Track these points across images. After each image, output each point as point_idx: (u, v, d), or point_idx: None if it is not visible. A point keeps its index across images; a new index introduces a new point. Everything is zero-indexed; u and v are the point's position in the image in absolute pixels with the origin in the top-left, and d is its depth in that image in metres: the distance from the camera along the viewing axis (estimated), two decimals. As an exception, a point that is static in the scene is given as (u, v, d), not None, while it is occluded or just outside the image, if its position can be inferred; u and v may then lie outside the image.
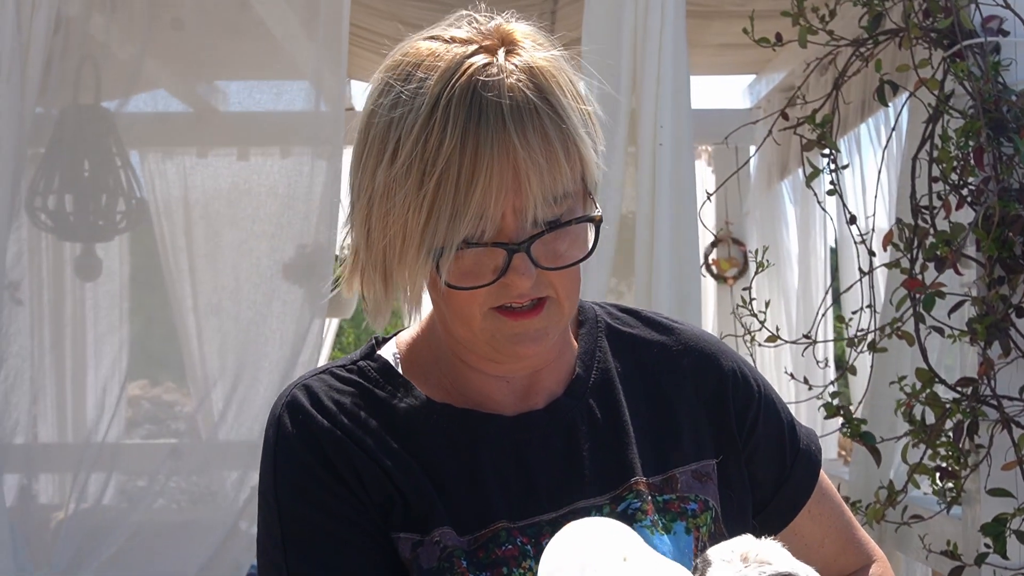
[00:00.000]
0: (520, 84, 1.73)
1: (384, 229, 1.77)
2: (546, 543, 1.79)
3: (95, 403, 4.89)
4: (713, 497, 1.93)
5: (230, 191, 5.30)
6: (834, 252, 7.08)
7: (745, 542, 1.72)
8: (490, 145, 1.70)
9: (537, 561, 1.79)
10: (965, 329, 3.72)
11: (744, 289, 4.47)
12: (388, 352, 1.96)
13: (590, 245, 1.83)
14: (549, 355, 1.90)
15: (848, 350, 4.27)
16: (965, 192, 3.73)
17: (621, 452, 1.90)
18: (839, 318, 4.31)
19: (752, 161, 7.37)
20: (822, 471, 2.10)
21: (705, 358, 2.01)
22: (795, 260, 7.05)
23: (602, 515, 1.85)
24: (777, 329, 4.38)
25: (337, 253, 5.44)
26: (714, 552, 1.71)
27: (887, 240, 3.98)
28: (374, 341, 1.97)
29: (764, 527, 2.01)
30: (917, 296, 3.76)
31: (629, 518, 1.84)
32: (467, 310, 1.80)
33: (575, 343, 1.99)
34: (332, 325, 9.35)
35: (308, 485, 1.84)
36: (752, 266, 7.13)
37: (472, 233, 1.72)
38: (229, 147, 5.57)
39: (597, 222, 1.81)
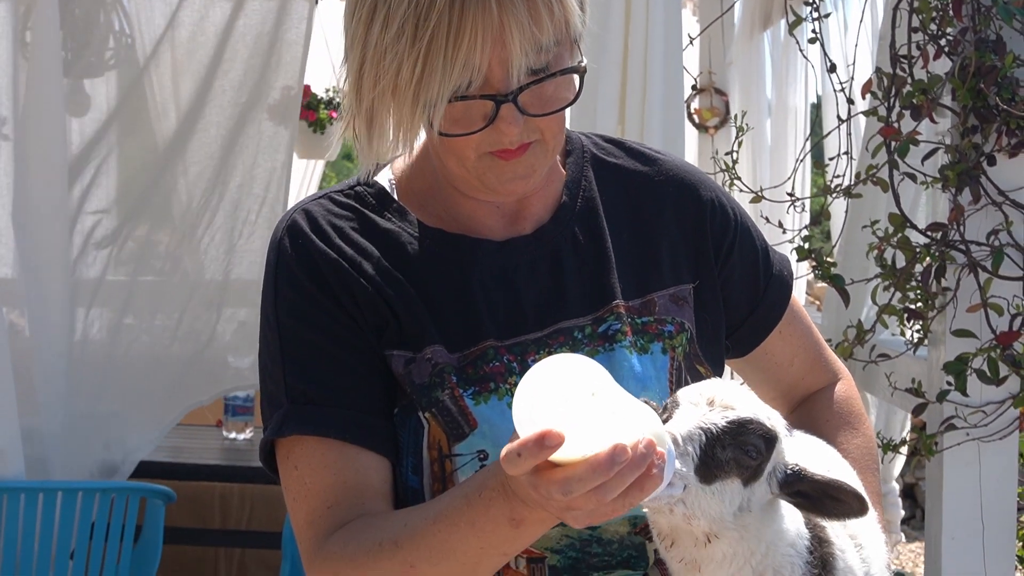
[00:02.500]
0: None
1: (375, 83, 1.86)
2: (532, 361, 1.91)
3: (80, 240, 4.92)
4: (689, 320, 2.04)
5: (217, 32, 5.29)
6: (816, 107, 7.14)
7: (712, 385, 1.80)
8: (474, 1, 1.77)
9: (522, 377, 1.91)
10: (937, 176, 3.81)
11: (727, 154, 4.53)
12: (384, 178, 2.06)
13: (575, 90, 1.92)
14: (537, 186, 2.00)
15: (825, 197, 4.36)
16: (943, 42, 3.80)
17: (603, 276, 2.01)
18: (816, 164, 4.39)
19: (736, 11, 7.39)
20: (793, 295, 2.22)
21: (686, 187, 2.12)
22: (773, 111, 7.10)
23: (584, 335, 1.96)
24: (788, 196, 4.46)
25: (322, 96, 5.49)
26: (682, 394, 1.79)
27: (866, 88, 4.04)
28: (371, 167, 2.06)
29: (737, 347, 2.14)
30: (892, 143, 3.84)
31: (609, 338, 1.96)
32: (461, 153, 1.90)
33: (562, 172, 2.08)
34: (317, 168, 9.40)
35: (306, 306, 1.95)
36: (733, 117, 7.22)
37: (461, 85, 1.81)
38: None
39: (582, 72, 1.90)
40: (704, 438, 1.71)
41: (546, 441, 1.51)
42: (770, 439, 1.75)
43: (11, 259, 5.01)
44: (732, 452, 1.72)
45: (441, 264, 1.98)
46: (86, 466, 4.85)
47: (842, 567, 1.89)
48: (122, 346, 5.33)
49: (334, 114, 7.87)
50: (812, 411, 2.22)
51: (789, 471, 1.79)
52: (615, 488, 1.55)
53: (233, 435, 5.98)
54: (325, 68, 7.63)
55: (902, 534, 7.41)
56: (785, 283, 2.19)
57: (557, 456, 1.54)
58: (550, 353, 1.89)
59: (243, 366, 5.23)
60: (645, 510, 1.83)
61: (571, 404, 1.53)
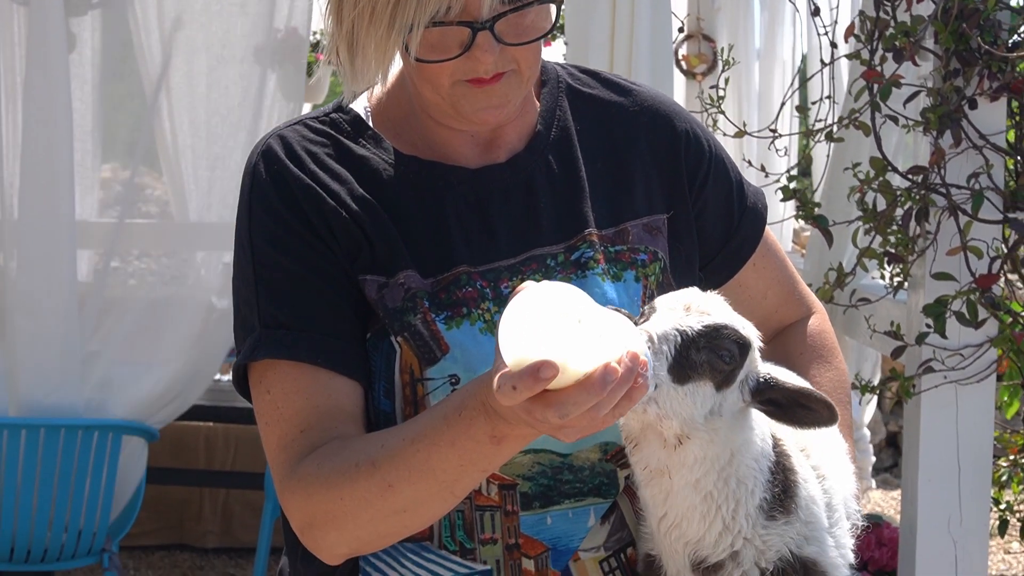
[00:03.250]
0: None
1: (353, 5, 1.86)
2: (505, 288, 1.93)
3: (67, 182, 4.90)
4: (662, 249, 2.06)
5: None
6: (805, 58, 7.12)
7: (690, 294, 1.84)
8: None
9: (495, 303, 1.93)
10: (919, 119, 3.82)
11: (712, 87, 4.54)
12: (359, 106, 2.07)
13: (552, 21, 1.92)
14: (511, 116, 2.01)
15: (807, 141, 4.37)
16: (927, -16, 3.80)
17: (576, 205, 2.02)
18: (799, 108, 4.40)
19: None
20: (767, 229, 2.23)
21: (660, 118, 2.13)
22: (760, 58, 7.10)
23: (556, 262, 1.98)
24: (771, 131, 4.47)
25: (308, 38, 5.47)
26: (660, 300, 1.83)
27: (849, 32, 4.05)
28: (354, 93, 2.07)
29: (711, 279, 2.15)
30: (875, 86, 3.84)
31: (582, 266, 1.98)
32: (436, 80, 1.91)
33: (537, 102, 2.09)
34: (305, 111, 9.37)
35: (279, 232, 1.96)
36: (720, 63, 7.21)
37: (439, 11, 1.81)
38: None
39: (558, 2, 1.91)
40: (680, 339, 1.75)
41: (542, 373, 1.53)
42: (744, 345, 1.80)
43: (14, 203, 5.01)
44: (706, 355, 1.77)
45: (415, 190, 1.99)
46: (70, 404, 4.86)
47: (804, 495, 1.91)
48: (107, 287, 5.35)
49: (321, 57, 7.84)
50: (786, 344, 2.23)
51: (761, 379, 1.84)
52: (607, 404, 1.58)
53: (217, 376, 5.99)
54: (313, 11, 7.60)
55: (872, 480, 7.46)
56: (759, 215, 2.20)
57: (551, 384, 1.56)
58: (523, 279, 1.92)
59: (227, 307, 5.24)
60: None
61: (559, 332, 1.55)
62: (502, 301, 1.92)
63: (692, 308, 1.81)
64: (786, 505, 1.88)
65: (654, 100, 2.15)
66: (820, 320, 2.29)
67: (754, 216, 2.19)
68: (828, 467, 2.04)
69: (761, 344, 1.88)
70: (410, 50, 1.85)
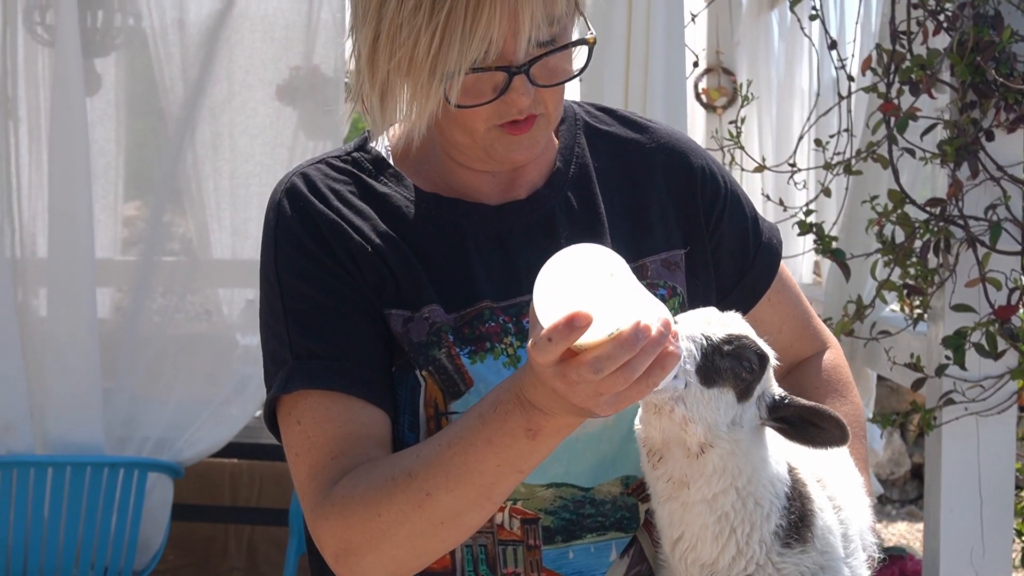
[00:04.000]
0: None
1: (390, 55, 1.90)
2: (527, 323, 1.95)
3: (89, 220, 4.95)
4: (681, 284, 2.09)
5: (226, 12, 5.32)
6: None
7: (710, 311, 1.90)
8: None
9: (518, 338, 1.96)
10: (936, 152, 3.84)
11: (731, 123, 4.57)
12: (380, 145, 2.10)
13: (580, 63, 1.96)
14: (537, 154, 2.05)
15: (825, 173, 4.40)
16: (942, 18, 3.83)
17: (595, 240, 2.04)
18: (817, 142, 4.43)
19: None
20: (782, 264, 2.25)
21: (677, 155, 2.16)
22: (779, 91, 7.12)
23: None
24: (764, 160, 4.50)
25: (331, 76, 5.51)
26: (682, 317, 1.88)
27: (866, 65, 4.08)
28: (367, 134, 2.11)
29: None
30: (892, 119, 3.87)
31: None
32: (471, 124, 1.95)
33: (555, 140, 2.13)
34: (325, 149, 9.40)
35: (307, 265, 1.99)
36: (740, 98, 7.24)
37: (477, 57, 1.85)
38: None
39: (591, 43, 1.95)
40: (705, 342, 1.80)
41: (575, 322, 1.56)
42: (763, 357, 1.85)
43: (39, 241, 5.06)
44: (730, 362, 1.82)
45: (438, 227, 2.02)
46: (95, 441, 4.90)
47: (821, 524, 1.93)
48: (131, 325, 5.38)
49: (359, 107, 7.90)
50: (801, 378, 2.25)
51: (776, 397, 1.88)
52: (640, 365, 1.60)
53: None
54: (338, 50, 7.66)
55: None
56: (774, 251, 2.23)
57: (583, 340, 1.58)
58: None
59: (251, 344, 5.27)
60: (639, 427, 1.90)
61: (591, 286, 1.58)
62: (524, 336, 1.95)
63: (714, 321, 1.86)
64: (802, 534, 1.90)
65: (670, 137, 2.18)
66: (835, 355, 2.31)
67: (769, 251, 2.22)
68: (844, 498, 2.06)
69: (777, 362, 1.92)
70: (450, 98, 1.88)
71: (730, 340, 1.83)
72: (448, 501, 1.81)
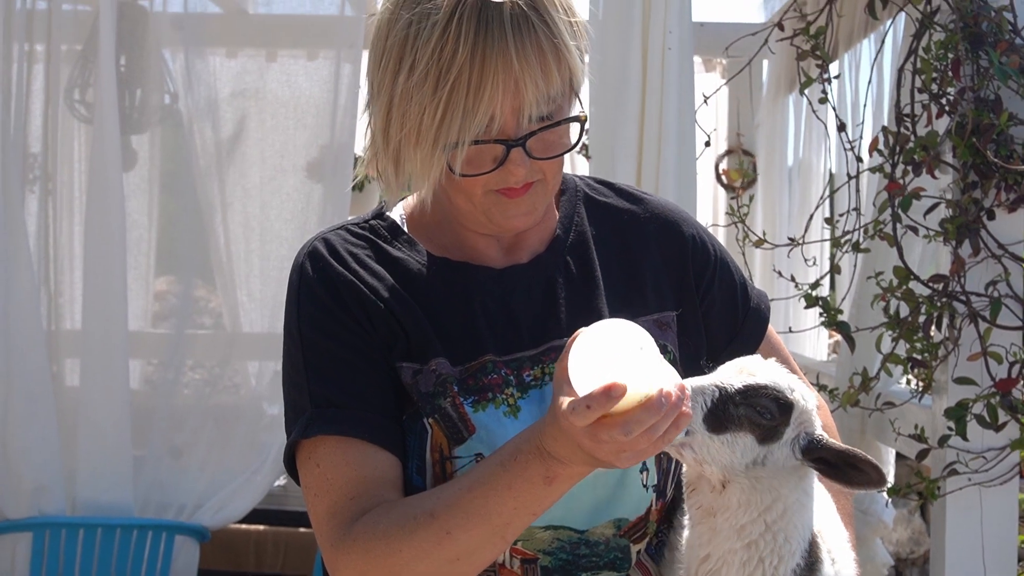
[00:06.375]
0: (520, 2, 2.01)
1: (400, 126, 2.07)
2: (527, 376, 2.11)
3: (123, 292, 5.11)
4: (672, 343, 2.24)
5: (256, 91, 5.48)
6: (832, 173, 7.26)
7: (750, 360, 2.06)
8: (494, 57, 1.98)
9: (518, 389, 2.11)
10: (939, 230, 3.96)
11: (733, 198, 4.70)
12: (396, 213, 2.27)
13: (576, 137, 2.13)
14: (536, 221, 2.21)
15: (835, 251, 4.52)
16: (944, 102, 3.97)
17: (592, 301, 2.20)
18: (827, 220, 4.56)
19: (764, 75, 7.57)
20: (770, 327, 2.40)
21: (669, 224, 2.32)
22: (795, 173, 7.25)
23: None
24: (790, 240, 4.62)
25: (358, 154, 5.63)
26: (724, 365, 2.06)
27: (872, 146, 4.21)
28: (383, 203, 2.27)
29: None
30: (896, 198, 4.00)
31: None
32: (470, 190, 2.11)
33: (556, 210, 2.28)
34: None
35: (326, 321, 2.15)
36: (760, 177, 7.39)
37: (478, 131, 2.01)
38: (257, 48, 5.78)
39: (582, 120, 2.11)
40: (718, 393, 1.96)
41: (612, 392, 1.74)
42: (785, 405, 1.99)
43: (74, 313, 5.22)
44: (744, 410, 1.97)
45: (446, 288, 2.18)
46: (124, 504, 5.03)
47: (825, 572, 2.06)
48: (162, 395, 5.51)
49: (371, 172, 8.06)
50: (790, 433, 2.38)
51: (812, 439, 2.02)
52: (662, 426, 1.79)
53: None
54: (361, 128, 7.79)
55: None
56: (762, 316, 2.38)
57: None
58: (544, 368, 2.11)
59: (277, 413, 5.38)
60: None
61: (624, 358, 1.77)
62: (524, 387, 2.12)
63: (743, 370, 2.01)
64: None
65: (663, 208, 2.34)
66: (823, 415, 2.44)
67: (757, 315, 2.37)
68: (837, 551, 2.18)
69: (815, 406, 2.06)
70: (454, 168, 2.04)
71: (745, 390, 1.98)
72: (465, 540, 1.96)
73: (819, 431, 2.03)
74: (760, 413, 1.97)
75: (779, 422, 1.99)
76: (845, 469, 2.00)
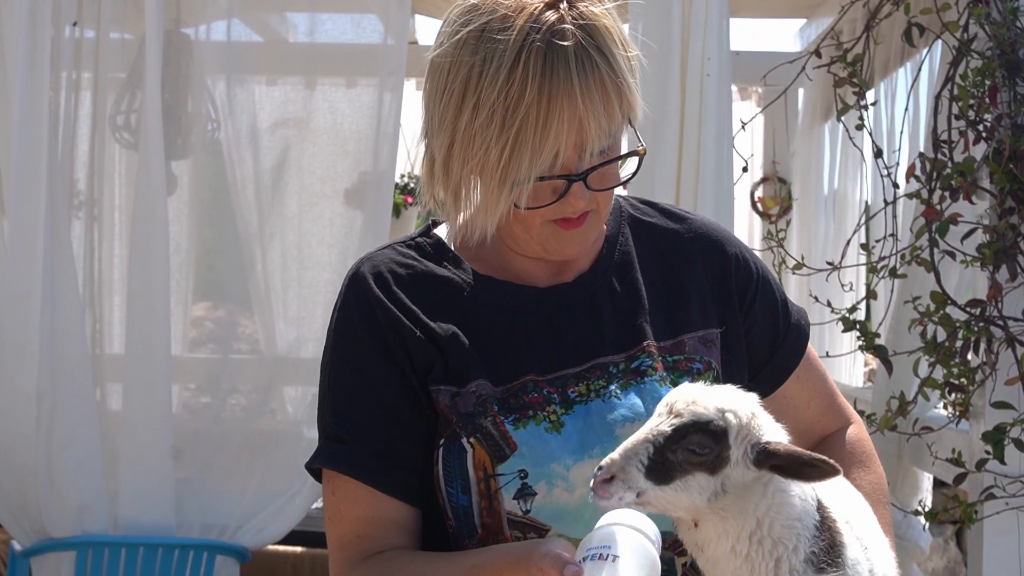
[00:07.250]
0: (583, 40, 2.05)
1: (463, 161, 2.11)
2: (572, 392, 2.14)
3: (167, 317, 5.17)
4: (716, 360, 2.27)
5: (296, 119, 5.53)
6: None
7: (678, 394, 2.01)
8: (560, 97, 2.03)
9: (562, 406, 2.14)
10: (976, 255, 3.99)
11: (780, 230, 4.73)
12: (443, 232, 2.32)
13: (631, 170, 2.18)
14: (588, 247, 2.27)
15: (871, 276, 4.55)
16: (981, 128, 4.00)
17: (636, 319, 2.24)
18: (863, 246, 4.59)
19: (800, 103, 7.61)
20: (809, 345, 2.43)
21: (712, 243, 2.36)
22: (831, 199, 7.27)
23: (618, 370, 2.19)
24: (828, 264, 4.65)
25: (397, 181, 5.68)
26: (659, 403, 2.04)
27: (910, 172, 4.24)
28: (431, 223, 2.32)
29: (757, 389, 2.33)
30: (934, 224, 4.03)
31: (641, 373, 2.19)
32: (529, 221, 2.17)
33: (602, 228, 2.32)
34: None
35: (354, 352, 2.20)
36: (795, 205, 7.41)
37: (545, 168, 2.06)
38: (297, 76, 5.84)
39: (642, 154, 2.16)
40: (651, 448, 1.94)
41: None
42: (718, 433, 1.96)
43: (115, 338, 5.27)
44: (683, 454, 1.95)
45: (489, 307, 2.22)
46: (166, 524, 5.08)
47: (851, 556, 2.07)
48: (201, 420, 5.57)
49: (410, 199, 8.14)
50: (828, 451, 2.40)
51: (760, 449, 1.98)
52: None
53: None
54: (400, 155, 7.85)
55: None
56: (803, 332, 2.41)
57: None
58: (588, 385, 2.15)
59: (315, 437, 5.39)
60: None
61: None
62: (568, 404, 2.15)
63: (672, 409, 1.98)
64: (834, 559, 2.04)
65: (706, 227, 2.38)
66: (858, 429, 2.48)
67: (798, 332, 2.40)
68: (870, 540, 2.18)
69: (753, 412, 2.01)
70: (519, 204, 2.10)
71: (676, 434, 1.95)
72: None
73: (765, 436, 2.00)
74: (697, 452, 1.95)
75: (719, 450, 1.96)
76: (799, 468, 1.97)
